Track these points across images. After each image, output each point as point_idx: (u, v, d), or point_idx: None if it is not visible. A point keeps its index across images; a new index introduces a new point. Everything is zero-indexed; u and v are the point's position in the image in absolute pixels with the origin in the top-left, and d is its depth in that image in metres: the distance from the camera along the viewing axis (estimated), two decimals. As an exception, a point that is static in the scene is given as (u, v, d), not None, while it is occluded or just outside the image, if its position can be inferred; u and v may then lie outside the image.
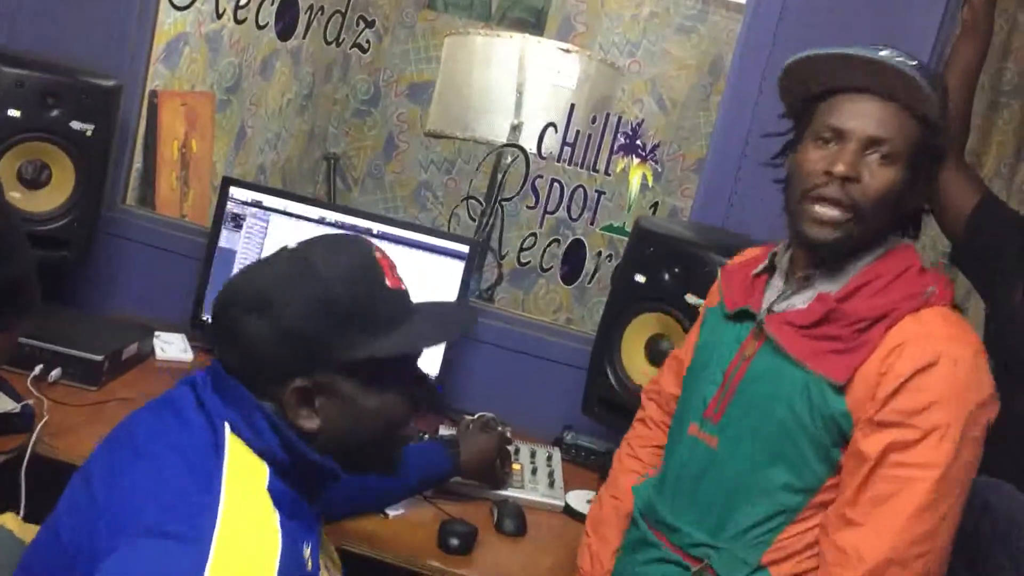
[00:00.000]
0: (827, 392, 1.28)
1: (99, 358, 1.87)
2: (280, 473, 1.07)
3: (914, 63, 1.26)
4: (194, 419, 1.08)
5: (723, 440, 1.38)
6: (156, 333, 2.12)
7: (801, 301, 1.34)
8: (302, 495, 1.10)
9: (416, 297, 1.18)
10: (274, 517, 1.02)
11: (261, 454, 1.07)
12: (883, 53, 1.27)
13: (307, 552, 1.08)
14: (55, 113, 1.96)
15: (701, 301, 1.71)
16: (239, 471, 1.04)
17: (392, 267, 1.15)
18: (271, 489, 1.05)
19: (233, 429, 1.07)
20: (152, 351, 2.09)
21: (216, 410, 1.07)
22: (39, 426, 1.65)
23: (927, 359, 1.23)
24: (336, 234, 1.34)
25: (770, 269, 1.43)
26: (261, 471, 1.06)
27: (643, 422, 1.64)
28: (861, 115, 1.28)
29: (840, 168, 1.26)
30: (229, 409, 1.07)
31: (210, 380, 1.10)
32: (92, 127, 2.00)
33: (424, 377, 1.20)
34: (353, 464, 1.15)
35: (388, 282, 1.12)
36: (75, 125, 1.98)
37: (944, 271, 1.36)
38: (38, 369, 1.81)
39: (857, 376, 1.26)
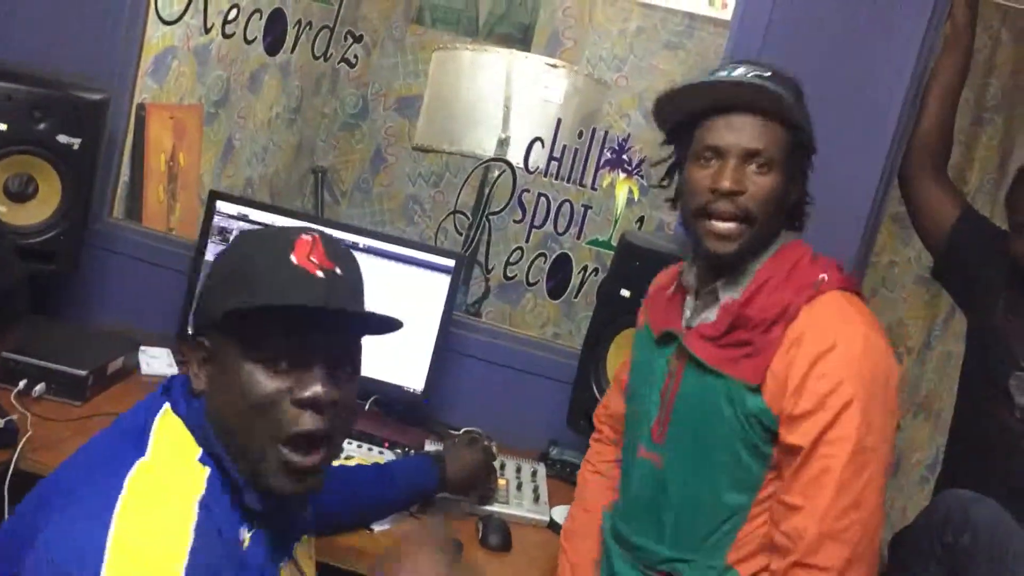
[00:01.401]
0: (745, 394, 1.34)
1: (83, 373, 1.87)
2: (211, 458, 1.08)
3: (769, 74, 1.36)
4: (138, 406, 1.12)
5: (667, 459, 1.44)
6: (141, 348, 2.11)
7: (713, 314, 1.42)
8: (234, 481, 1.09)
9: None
10: (192, 492, 1.03)
11: (193, 433, 1.09)
12: (739, 71, 1.37)
13: (246, 535, 1.08)
14: (42, 126, 1.96)
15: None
16: (166, 443, 1.06)
17: (313, 249, 1.08)
18: (204, 458, 1.07)
19: (174, 406, 1.10)
20: (137, 365, 2.09)
21: (166, 390, 1.12)
22: (23, 441, 1.64)
23: (824, 345, 1.30)
24: None
25: (682, 288, 1.50)
26: (193, 447, 1.08)
27: (599, 442, 1.73)
28: (735, 131, 1.36)
29: (725, 184, 1.35)
30: (178, 388, 1.12)
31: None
32: (79, 140, 2.01)
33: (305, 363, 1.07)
34: (235, 452, 1.07)
35: (293, 257, 1.07)
36: (62, 138, 1.98)
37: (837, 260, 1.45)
38: (22, 384, 1.81)
39: (768, 374, 1.33)
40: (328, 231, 1.16)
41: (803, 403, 1.30)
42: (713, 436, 1.38)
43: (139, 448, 1.05)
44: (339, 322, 1.09)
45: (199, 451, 1.08)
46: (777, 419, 1.33)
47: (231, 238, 1.22)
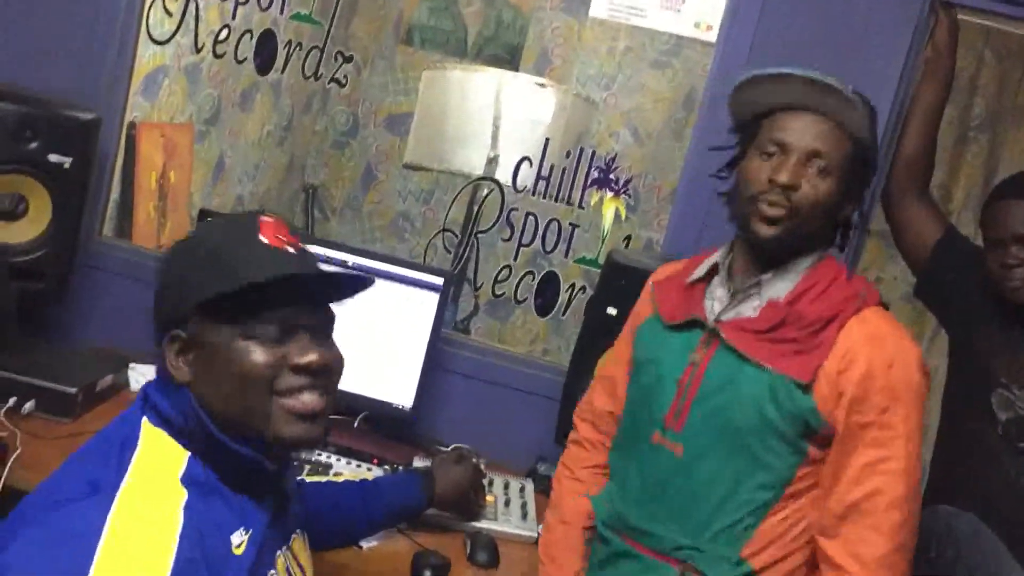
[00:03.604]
0: (794, 391, 1.36)
1: (73, 390, 1.87)
2: (201, 457, 1.10)
3: (851, 87, 1.40)
4: (118, 418, 1.14)
5: (688, 447, 1.43)
6: (131, 365, 2.12)
7: (750, 309, 1.43)
8: (232, 482, 1.11)
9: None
10: (177, 503, 1.03)
11: (184, 435, 1.10)
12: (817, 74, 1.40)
13: (239, 537, 1.09)
14: (33, 146, 1.98)
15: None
16: (150, 460, 1.07)
17: (278, 228, 1.14)
18: (187, 476, 1.07)
19: (153, 419, 1.11)
20: (127, 382, 2.09)
21: (145, 400, 1.13)
22: (12, 459, 1.65)
23: (880, 361, 1.36)
24: None
25: (706, 277, 1.50)
26: (177, 459, 1.08)
27: (578, 444, 1.68)
28: (802, 130, 1.40)
29: (783, 177, 1.38)
30: (159, 391, 1.13)
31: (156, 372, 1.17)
32: (70, 160, 2.02)
33: (291, 328, 1.12)
34: (235, 429, 1.10)
35: (263, 237, 1.12)
36: (53, 158, 2.00)
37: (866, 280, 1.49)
38: (12, 401, 1.81)
39: (820, 374, 1.36)
40: (317, 250, 1.20)
41: (862, 415, 1.35)
42: (744, 431, 1.39)
43: (121, 468, 1.05)
44: (317, 291, 1.15)
45: (184, 460, 1.09)
46: (825, 422, 1.36)
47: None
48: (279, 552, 1.19)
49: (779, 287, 1.43)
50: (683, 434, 1.44)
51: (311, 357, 1.11)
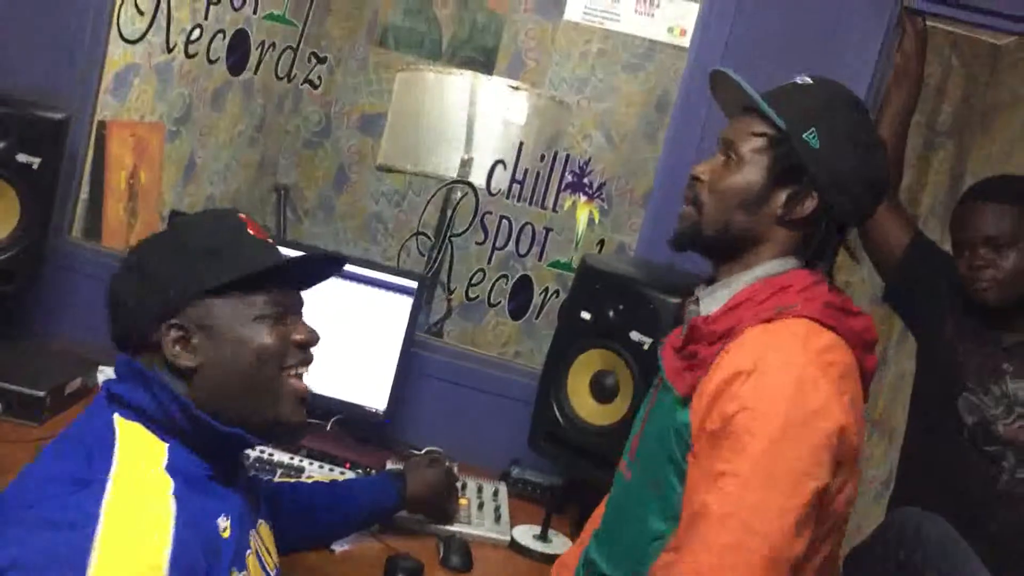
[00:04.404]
0: (676, 406, 1.30)
1: (41, 394, 1.85)
2: (184, 445, 1.12)
3: (809, 82, 1.39)
4: (85, 417, 1.14)
5: (633, 473, 1.40)
6: (100, 367, 2.09)
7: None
8: (212, 470, 1.14)
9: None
10: (166, 490, 1.05)
11: (162, 427, 1.12)
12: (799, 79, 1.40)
13: (224, 522, 1.12)
14: (1, 145, 1.95)
15: (647, 339, 1.74)
16: (131, 454, 1.08)
17: (256, 226, 1.23)
18: (170, 466, 1.09)
19: (126, 414, 1.12)
20: (96, 385, 2.07)
21: (112, 398, 1.14)
22: (-21, 463, 1.63)
23: (744, 366, 1.21)
24: None
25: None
26: (157, 452, 1.10)
27: None
28: (728, 125, 1.41)
29: (693, 169, 1.40)
30: (128, 387, 1.14)
31: (116, 370, 1.18)
32: (39, 160, 2.00)
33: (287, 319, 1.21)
34: (239, 411, 1.16)
35: (250, 230, 1.21)
36: (21, 158, 1.98)
37: (837, 288, 1.35)
38: (-22, 405, 1.79)
39: (698, 387, 1.27)
40: (289, 252, 1.24)
41: (709, 422, 1.22)
42: (659, 457, 1.31)
43: (103, 463, 1.05)
44: (300, 276, 1.26)
45: (165, 451, 1.10)
46: (693, 436, 1.26)
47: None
48: (251, 533, 1.22)
49: (715, 300, 1.35)
50: (633, 460, 1.41)
51: (309, 333, 1.22)
